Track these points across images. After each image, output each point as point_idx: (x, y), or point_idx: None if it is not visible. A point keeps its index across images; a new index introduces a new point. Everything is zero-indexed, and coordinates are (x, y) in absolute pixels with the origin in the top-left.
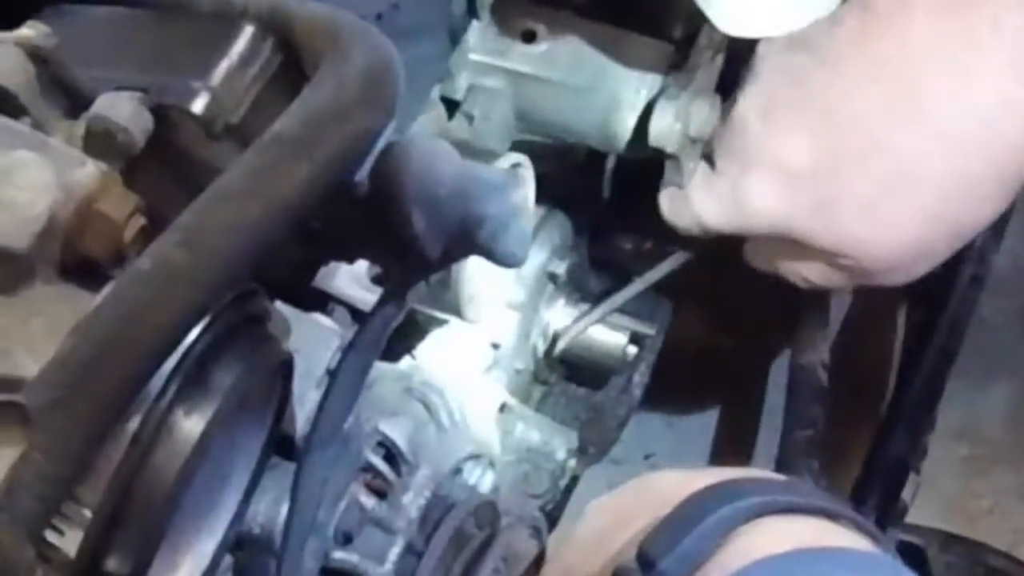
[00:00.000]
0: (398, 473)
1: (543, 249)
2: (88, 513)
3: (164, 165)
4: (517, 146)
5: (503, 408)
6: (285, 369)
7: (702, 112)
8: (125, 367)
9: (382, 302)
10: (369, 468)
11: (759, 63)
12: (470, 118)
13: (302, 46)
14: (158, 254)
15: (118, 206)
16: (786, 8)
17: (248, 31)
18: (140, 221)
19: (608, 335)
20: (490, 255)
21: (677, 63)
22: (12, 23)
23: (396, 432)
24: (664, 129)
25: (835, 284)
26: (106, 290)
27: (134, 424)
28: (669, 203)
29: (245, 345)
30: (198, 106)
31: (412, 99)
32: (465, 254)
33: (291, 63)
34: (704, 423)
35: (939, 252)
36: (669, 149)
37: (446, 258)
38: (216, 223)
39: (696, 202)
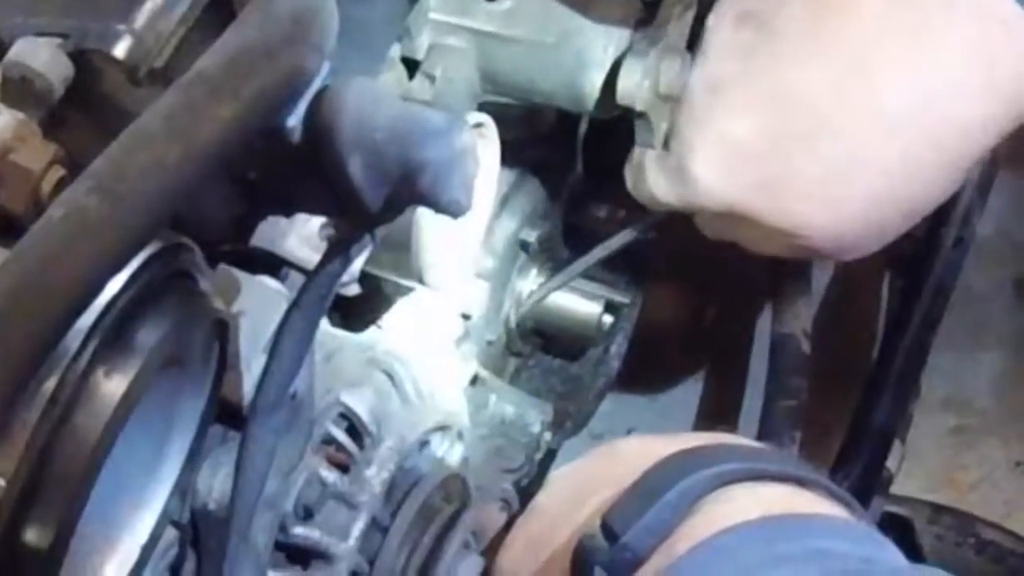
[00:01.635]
0: (360, 446)
1: (514, 217)
2: (2, 482)
3: (86, 113)
4: (483, 109)
5: (475, 380)
6: (221, 329)
7: (672, 69)
8: (35, 322)
9: (325, 259)
10: (330, 441)
11: (708, 37)
12: (432, 79)
13: None
14: (69, 201)
15: (35, 157)
16: None
17: None
18: (59, 172)
19: (582, 304)
20: (433, 204)
21: (645, 20)
22: None
23: (358, 403)
24: (632, 86)
25: (787, 256)
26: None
27: (51, 385)
28: (631, 176)
29: (171, 302)
30: (120, 50)
31: (371, 58)
32: (407, 203)
33: (219, 4)
34: (686, 395)
35: (888, 231)
36: (638, 107)
37: (388, 208)
38: (132, 167)
39: (649, 177)
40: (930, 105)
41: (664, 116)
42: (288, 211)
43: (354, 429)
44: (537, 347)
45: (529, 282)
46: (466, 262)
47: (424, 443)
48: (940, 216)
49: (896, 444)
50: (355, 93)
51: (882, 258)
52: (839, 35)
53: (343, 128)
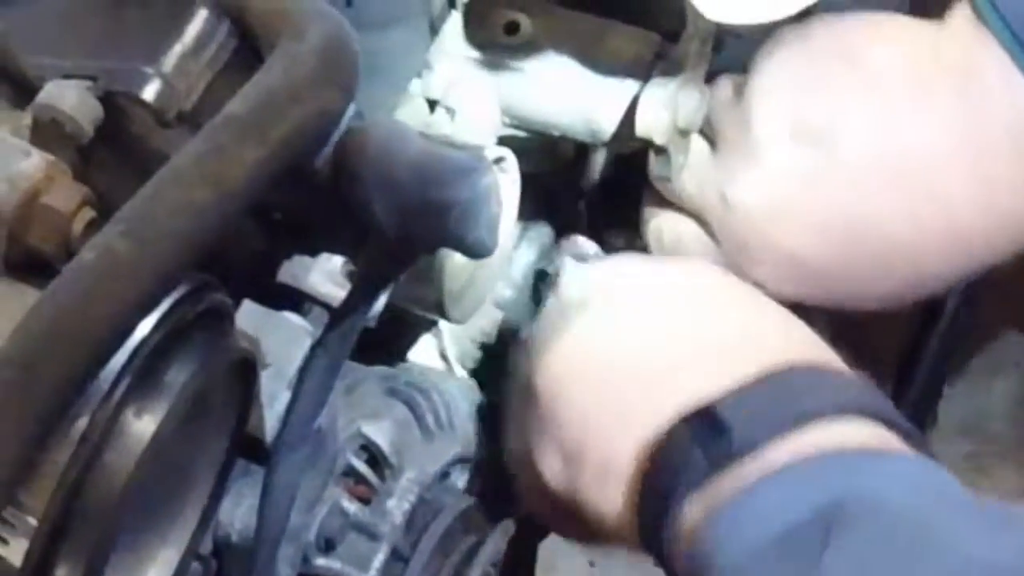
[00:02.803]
0: (382, 477)
1: (532, 248)
2: (33, 520)
3: (115, 155)
4: (502, 141)
5: (491, 407)
6: (247, 367)
7: (691, 102)
8: (66, 364)
9: (350, 298)
10: (351, 472)
11: (762, 149)
12: (452, 112)
13: (257, 29)
14: (101, 245)
15: (66, 198)
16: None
17: (202, 15)
18: (89, 214)
19: None
20: (458, 244)
21: (664, 53)
22: None
23: (379, 435)
24: (651, 120)
25: None
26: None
27: (81, 425)
28: (655, 238)
29: (200, 341)
30: (149, 93)
31: (390, 91)
32: (433, 244)
33: (247, 47)
34: None
35: None
36: (657, 141)
37: (413, 248)
38: (162, 211)
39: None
40: (999, 221)
41: (682, 149)
42: (312, 250)
43: (375, 460)
44: None
45: None
46: (486, 295)
47: (444, 474)
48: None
49: None
50: (380, 133)
51: None
52: (907, 159)
53: (368, 168)
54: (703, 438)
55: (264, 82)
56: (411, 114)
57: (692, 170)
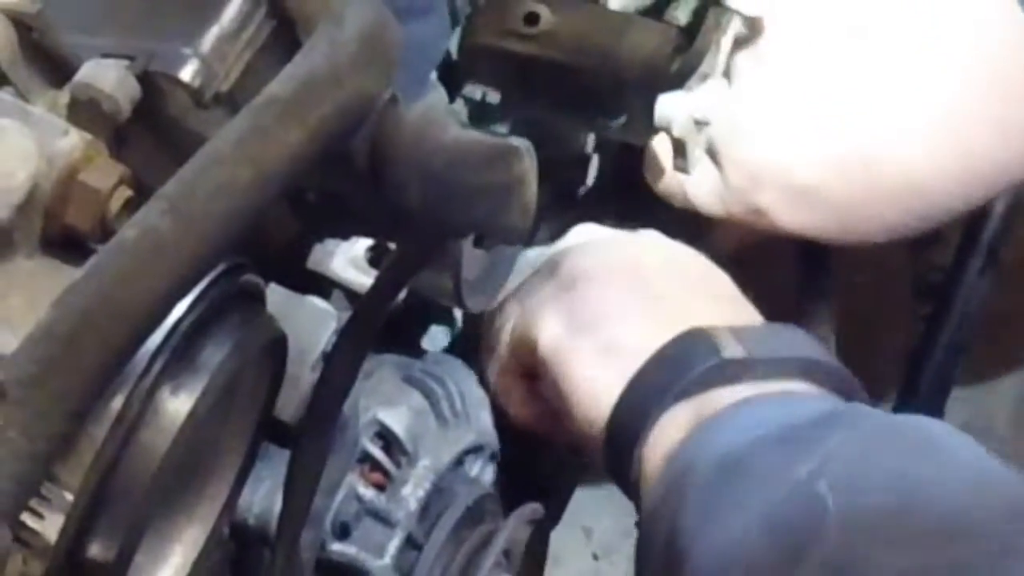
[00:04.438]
0: (397, 464)
1: (545, 239)
2: (69, 496)
3: (152, 134)
4: (518, 128)
5: None
6: (278, 348)
7: (709, 95)
8: (106, 341)
9: (380, 281)
10: (367, 459)
11: (779, 84)
12: (471, 102)
13: (295, 11)
14: (142, 223)
15: (103, 176)
16: None
17: None
18: (126, 192)
19: None
20: (491, 229)
21: (683, 46)
22: None
23: (395, 422)
24: (669, 112)
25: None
26: (91, 260)
27: (118, 403)
28: (658, 182)
29: (235, 321)
30: (187, 73)
31: (412, 80)
32: (466, 228)
33: (284, 29)
34: None
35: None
36: (675, 133)
37: (445, 232)
38: (203, 189)
39: (695, 197)
40: (1010, 156)
41: (699, 142)
42: (345, 233)
43: (391, 447)
44: None
45: None
46: (502, 284)
47: (459, 462)
48: (966, 245)
49: None
50: (416, 118)
51: (908, 287)
52: (930, 105)
53: (404, 152)
54: (717, 347)
55: (305, 64)
56: (434, 100)
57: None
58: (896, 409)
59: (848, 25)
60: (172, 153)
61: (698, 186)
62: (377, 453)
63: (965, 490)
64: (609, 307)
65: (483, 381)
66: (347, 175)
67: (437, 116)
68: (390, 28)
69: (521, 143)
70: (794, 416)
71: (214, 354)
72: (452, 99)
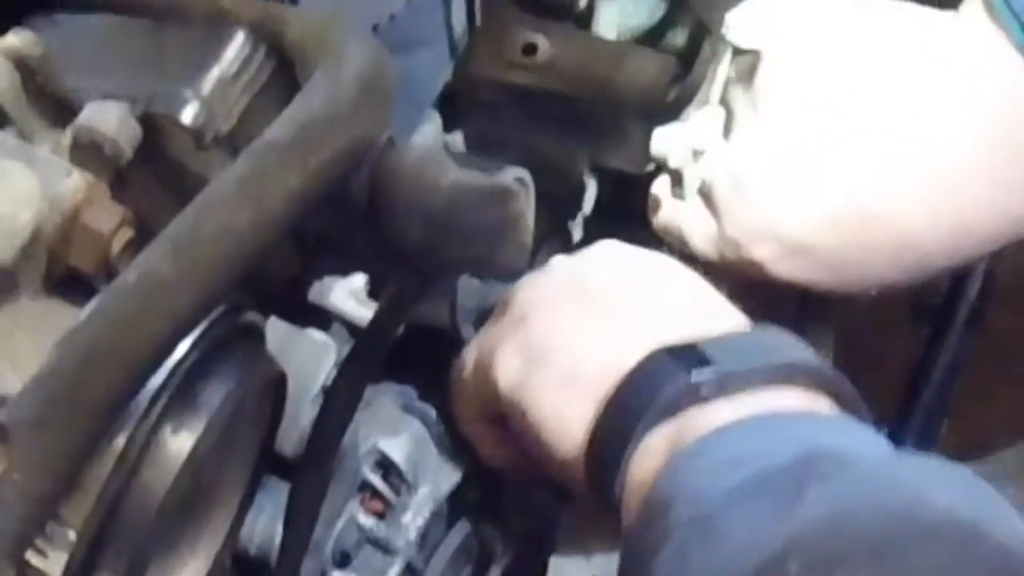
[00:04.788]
0: (397, 492)
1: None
2: (73, 534)
3: (154, 175)
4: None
5: None
6: (277, 386)
7: (706, 125)
8: (109, 382)
9: (379, 316)
10: (367, 487)
11: (774, 133)
12: (469, 132)
13: (295, 53)
14: (144, 265)
15: (105, 218)
16: (791, 21)
17: (239, 38)
18: (128, 233)
19: None
20: (487, 268)
21: (679, 75)
22: None
23: (395, 450)
24: (667, 142)
25: None
26: (93, 302)
27: (120, 442)
28: (658, 223)
29: (235, 360)
30: (187, 115)
31: (411, 110)
32: (462, 266)
33: (284, 70)
34: None
35: None
36: (671, 163)
37: (442, 270)
38: (204, 233)
39: (691, 242)
40: (1008, 219)
41: (696, 171)
42: (344, 269)
43: (390, 476)
44: None
45: None
46: None
47: (459, 490)
48: (965, 266)
49: None
50: (415, 159)
51: (907, 307)
52: (929, 158)
53: (403, 193)
54: (685, 365)
55: (304, 108)
56: (431, 132)
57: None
58: (895, 430)
59: (845, 75)
60: (173, 192)
61: (694, 231)
62: (377, 482)
63: (942, 565)
64: (563, 334)
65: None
66: (346, 214)
67: (435, 157)
68: (387, 70)
69: (518, 175)
70: (771, 454)
71: (215, 394)
72: (450, 129)
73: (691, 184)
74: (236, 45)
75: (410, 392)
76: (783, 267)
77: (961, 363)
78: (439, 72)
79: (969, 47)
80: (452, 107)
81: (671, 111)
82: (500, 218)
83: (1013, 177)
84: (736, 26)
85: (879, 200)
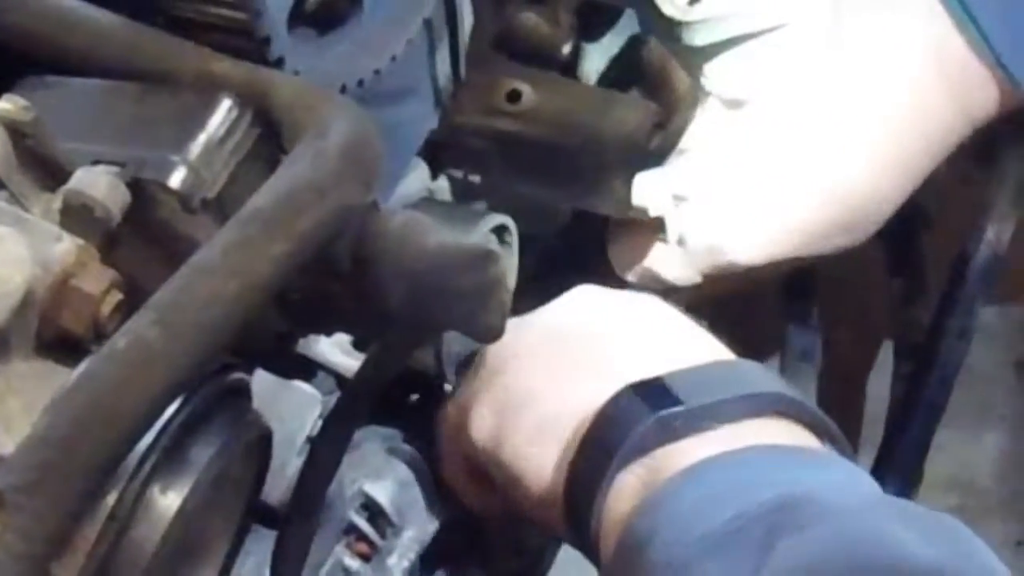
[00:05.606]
0: (383, 535)
1: (531, 308)
2: None
3: (142, 238)
4: (501, 206)
5: None
6: (264, 442)
7: (688, 172)
8: (100, 448)
9: (362, 373)
10: (353, 529)
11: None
12: (454, 179)
13: (281, 119)
14: (133, 332)
15: (95, 281)
16: (772, 66)
17: (226, 104)
18: (117, 296)
19: None
20: (469, 330)
21: (662, 122)
22: None
23: (381, 494)
24: (647, 194)
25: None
26: (82, 366)
27: (111, 500)
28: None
29: (222, 420)
30: (175, 180)
31: (397, 159)
32: (444, 328)
33: (269, 136)
34: None
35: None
36: (651, 213)
37: (424, 331)
38: (192, 301)
39: (667, 273)
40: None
41: (678, 216)
42: (328, 330)
43: (376, 518)
44: None
45: None
46: None
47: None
48: (945, 306)
49: None
50: (398, 225)
51: (891, 345)
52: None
53: (386, 258)
54: (653, 403)
55: (289, 177)
56: (416, 180)
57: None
58: (876, 464)
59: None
60: (161, 254)
61: (666, 264)
62: (363, 524)
63: None
64: (536, 382)
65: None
66: (330, 277)
67: (418, 223)
68: (373, 140)
69: (501, 222)
70: (746, 495)
71: (202, 453)
72: (435, 176)
73: (673, 230)
74: (223, 111)
75: (395, 435)
76: (753, 250)
77: (942, 404)
78: (424, 121)
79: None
80: (438, 154)
81: (654, 158)
82: (480, 282)
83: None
84: (717, 78)
85: (820, 162)
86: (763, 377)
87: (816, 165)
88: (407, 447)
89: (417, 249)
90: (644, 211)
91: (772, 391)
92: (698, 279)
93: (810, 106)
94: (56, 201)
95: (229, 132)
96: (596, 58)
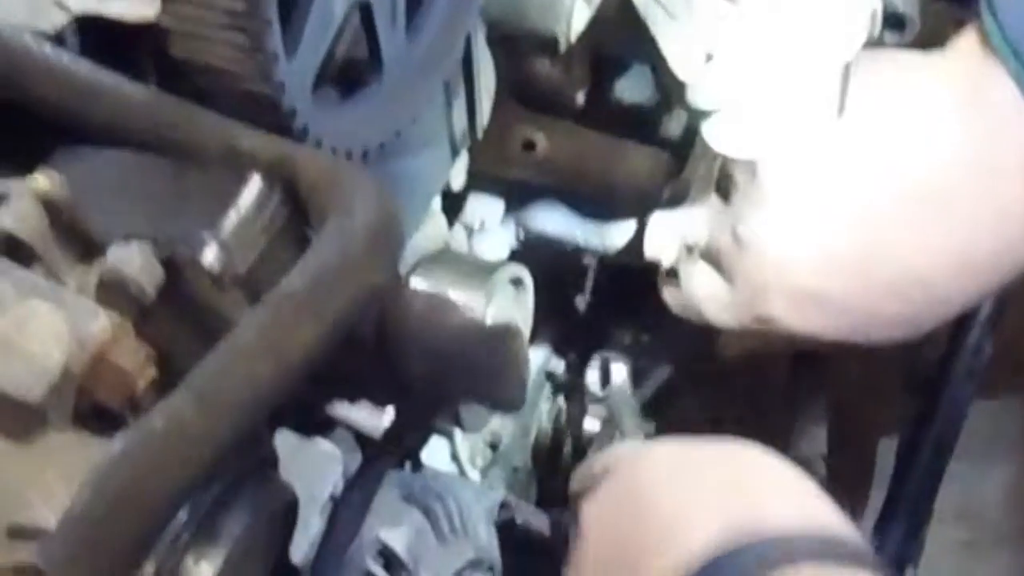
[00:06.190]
0: None
1: (541, 350)
2: None
3: (174, 312)
4: (519, 253)
5: (503, 507)
6: (291, 510)
7: (700, 219)
8: (137, 526)
9: (386, 439)
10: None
11: (768, 188)
12: (470, 230)
13: (308, 198)
14: (171, 412)
15: (131, 357)
16: (778, 130)
17: (256, 182)
18: (152, 371)
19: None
20: (490, 402)
21: (674, 171)
22: (21, 164)
23: (396, 541)
24: (659, 245)
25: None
26: (118, 441)
27: (148, 571)
28: (673, 301)
29: (254, 492)
30: (208, 258)
31: (414, 208)
32: (464, 399)
33: (297, 215)
34: None
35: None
36: (664, 264)
37: (447, 404)
38: (228, 382)
39: (708, 312)
40: (1008, 244)
41: (691, 262)
42: (353, 398)
43: (392, 566)
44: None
45: (555, 408)
46: None
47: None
48: (953, 349)
49: (909, 570)
50: (422, 303)
51: (900, 382)
52: (919, 190)
53: (409, 335)
54: None
55: (319, 259)
56: (432, 229)
57: (708, 216)
58: (885, 508)
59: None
60: (192, 328)
61: (710, 303)
62: (379, 572)
63: None
64: (617, 553)
65: None
66: (355, 350)
67: (441, 302)
68: (395, 220)
69: (517, 273)
70: None
71: (235, 525)
72: (451, 225)
73: (687, 279)
74: (254, 189)
75: (411, 481)
76: (795, 319)
77: (950, 444)
78: (440, 172)
79: (961, 79)
80: (454, 205)
81: (666, 206)
82: (499, 358)
83: (1005, 200)
84: (717, 138)
85: (878, 234)
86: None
87: (879, 248)
88: (422, 493)
89: (440, 328)
90: (659, 261)
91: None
92: (734, 324)
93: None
94: (91, 275)
95: (259, 210)
96: None
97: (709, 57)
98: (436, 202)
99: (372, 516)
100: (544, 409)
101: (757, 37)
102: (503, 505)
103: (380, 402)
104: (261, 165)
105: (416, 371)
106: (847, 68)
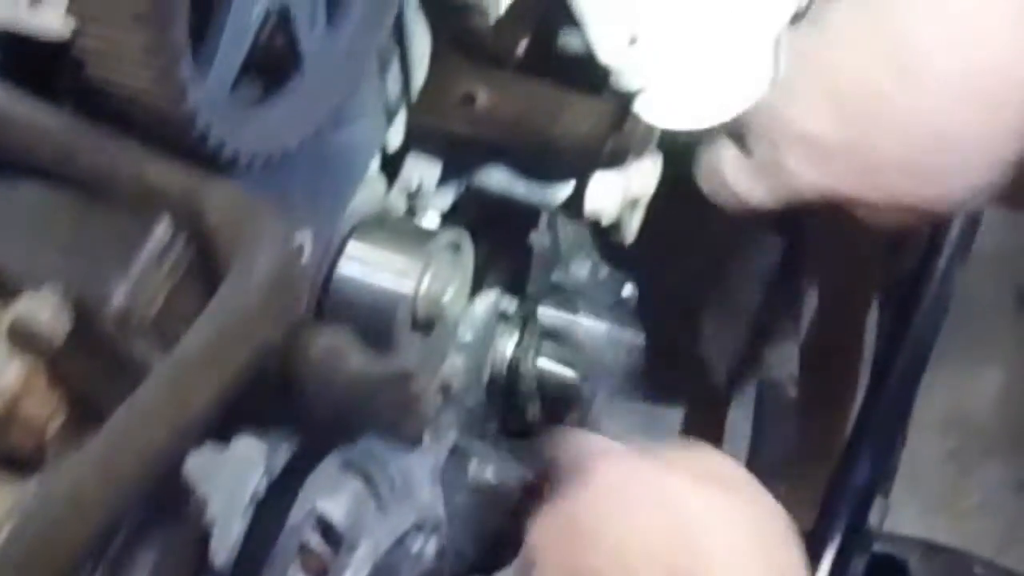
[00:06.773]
0: (336, 551)
1: (492, 290)
2: None
3: (84, 352)
4: (461, 206)
5: (454, 450)
6: (204, 538)
7: (642, 172)
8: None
9: (293, 462)
10: (306, 548)
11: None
12: (409, 194)
13: (213, 240)
14: (71, 478)
15: (41, 405)
16: (712, 103)
17: (163, 226)
18: (61, 418)
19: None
20: (391, 440)
21: (619, 121)
22: None
23: (335, 510)
24: (599, 204)
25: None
26: (26, 503)
27: None
28: (708, 186)
29: (164, 532)
30: (115, 302)
31: (348, 180)
32: (366, 435)
33: (205, 258)
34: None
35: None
36: (604, 222)
37: (350, 439)
38: (126, 450)
39: (737, 186)
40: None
41: (635, 214)
42: (259, 431)
43: (330, 535)
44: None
45: (509, 347)
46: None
47: (401, 542)
48: (932, 246)
49: (878, 500)
50: (321, 351)
51: (871, 290)
52: (882, 14)
53: (311, 378)
54: None
55: (214, 321)
56: (370, 193)
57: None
58: (854, 434)
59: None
60: (102, 366)
61: (740, 182)
62: (316, 542)
63: None
64: None
65: None
66: (258, 388)
67: (344, 343)
68: (295, 267)
69: (455, 237)
70: None
71: (143, 567)
72: (390, 185)
73: (630, 228)
74: (159, 233)
75: (350, 448)
76: (811, 173)
77: (923, 359)
78: (375, 141)
79: None
80: (392, 168)
81: (609, 161)
82: (400, 399)
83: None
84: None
85: (858, 78)
86: None
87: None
88: (361, 458)
89: (340, 372)
90: (599, 217)
91: None
92: (768, 200)
93: None
94: (2, 323)
95: (165, 255)
96: None
97: (634, 40)
98: (374, 165)
99: (309, 486)
100: (498, 348)
101: (682, 16)
102: (453, 450)
103: (286, 432)
104: (170, 201)
105: (318, 412)
106: (778, 40)
